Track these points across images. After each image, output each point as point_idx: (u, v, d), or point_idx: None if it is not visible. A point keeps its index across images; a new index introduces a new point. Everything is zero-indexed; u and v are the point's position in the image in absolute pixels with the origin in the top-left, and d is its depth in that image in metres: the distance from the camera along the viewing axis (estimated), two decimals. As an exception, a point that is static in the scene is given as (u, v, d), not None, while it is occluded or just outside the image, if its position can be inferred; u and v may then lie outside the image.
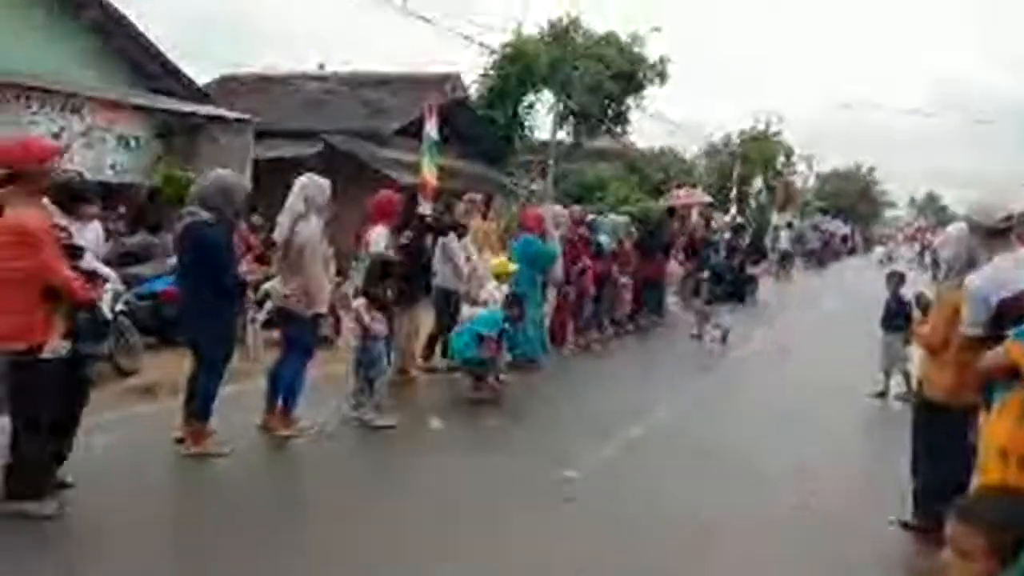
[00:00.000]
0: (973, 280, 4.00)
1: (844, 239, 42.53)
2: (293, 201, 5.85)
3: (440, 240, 8.25)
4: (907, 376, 8.21)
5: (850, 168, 59.18)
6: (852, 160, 61.09)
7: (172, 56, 12.48)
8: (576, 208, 11.67)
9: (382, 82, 16.68)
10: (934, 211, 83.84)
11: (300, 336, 5.96)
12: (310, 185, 5.91)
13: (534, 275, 8.99)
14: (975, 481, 3.66)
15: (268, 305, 8.54)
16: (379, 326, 6.41)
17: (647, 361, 10.22)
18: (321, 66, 19.86)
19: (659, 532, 4.63)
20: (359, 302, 6.49)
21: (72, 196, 4.85)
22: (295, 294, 5.85)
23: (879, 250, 42.70)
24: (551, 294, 9.54)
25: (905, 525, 4.82)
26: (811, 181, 46.50)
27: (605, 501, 5.11)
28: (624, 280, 11.43)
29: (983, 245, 4.16)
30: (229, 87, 17.57)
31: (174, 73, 12.39)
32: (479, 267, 8.62)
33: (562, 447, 6.12)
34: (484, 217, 10.23)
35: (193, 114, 11.28)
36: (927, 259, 30.96)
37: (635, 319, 12.24)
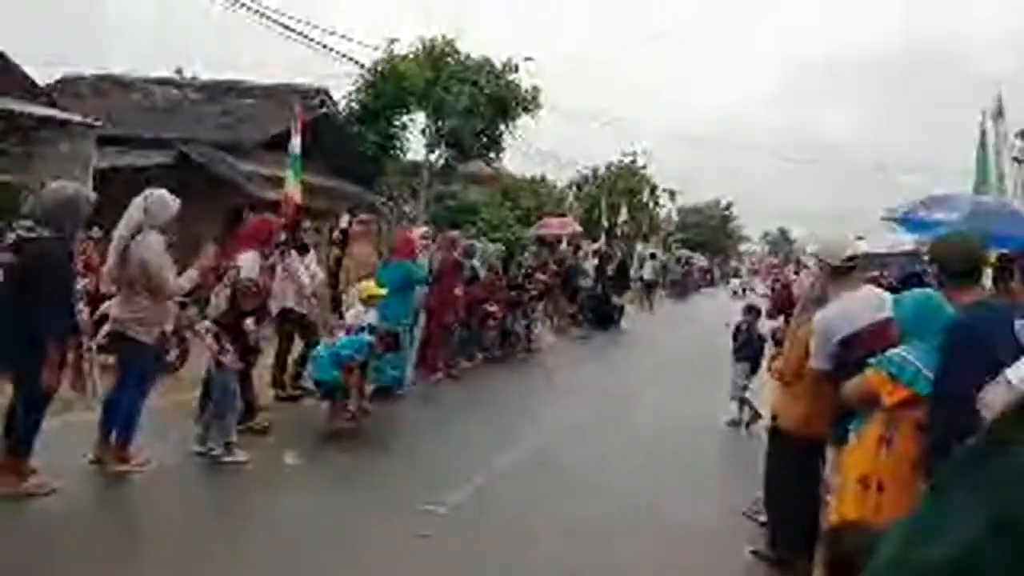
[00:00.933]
0: (820, 316, 4.19)
1: (704, 272, 44.63)
2: (131, 214, 5.35)
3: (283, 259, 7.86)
4: (744, 403, 8.61)
5: (709, 202, 62.45)
6: (712, 195, 64.59)
7: (10, 52, 11.37)
8: (453, 233, 11.50)
9: (245, 91, 15.95)
10: (785, 245, 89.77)
11: (138, 363, 5.43)
12: (153, 199, 5.42)
13: (408, 300, 8.75)
14: (830, 510, 3.74)
15: (105, 328, 7.85)
16: (231, 357, 5.95)
17: (517, 390, 10.11)
18: (178, 71, 18.79)
19: (524, 569, 4.47)
20: (209, 328, 6.01)
21: None
22: (134, 316, 5.33)
23: (734, 282, 45.09)
24: (421, 319, 9.32)
25: (758, 554, 4.90)
26: (673, 214, 48.59)
27: (469, 536, 4.91)
28: (494, 308, 11.34)
29: (830, 283, 4.33)
30: (73, 88, 16.28)
31: (10, 70, 11.28)
32: (320, 288, 8.31)
33: (426, 479, 5.87)
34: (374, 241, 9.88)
35: (25, 115, 10.27)
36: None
37: (504, 346, 12.16)
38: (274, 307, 7.65)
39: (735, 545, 5.10)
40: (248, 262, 6.66)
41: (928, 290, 3.44)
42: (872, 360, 3.46)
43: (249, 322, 6.12)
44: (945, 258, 3.27)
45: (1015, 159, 18.62)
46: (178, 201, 5.51)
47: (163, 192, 5.52)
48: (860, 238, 6.66)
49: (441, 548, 4.68)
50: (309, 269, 8.24)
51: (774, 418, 4.90)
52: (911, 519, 1.14)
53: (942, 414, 2.89)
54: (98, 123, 10.92)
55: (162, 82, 16.52)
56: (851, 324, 3.99)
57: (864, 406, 3.50)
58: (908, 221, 8.71)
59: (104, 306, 8.06)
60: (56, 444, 5.39)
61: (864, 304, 4.10)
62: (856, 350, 3.81)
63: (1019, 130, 18.70)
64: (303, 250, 8.31)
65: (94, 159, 10.56)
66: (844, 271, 4.25)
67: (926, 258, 3.61)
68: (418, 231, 10.86)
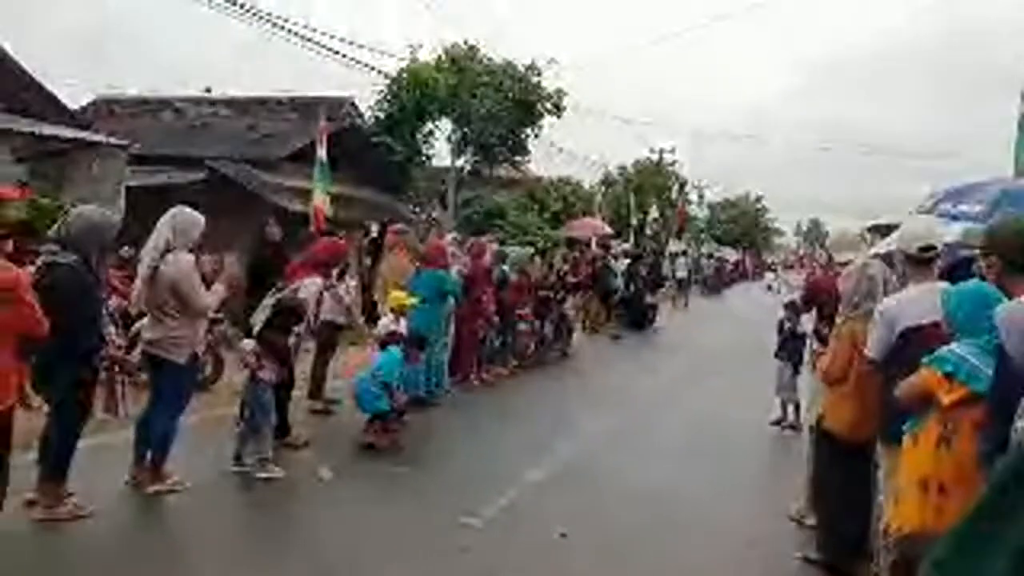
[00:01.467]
0: (885, 304, 4.01)
1: (736, 265, 44.12)
2: (159, 234, 5.32)
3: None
4: (796, 406, 8.35)
5: (740, 196, 61.76)
6: (741, 190, 63.88)
7: (46, 79, 11.57)
8: (483, 239, 11.43)
9: (271, 106, 16.06)
10: (818, 237, 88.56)
11: (172, 384, 5.40)
12: (180, 217, 5.39)
13: (439, 310, 8.68)
14: (885, 514, 3.59)
15: (138, 349, 7.90)
16: (269, 373, 5.92)
17: (551, 396, 9.97)
18: (207, 90, 19.02)
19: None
20: (248, 345, 5.99)
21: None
22: (166, 337, 5.31)
23: (768, 276, 44.54)
24: (451, 327, 9.25)
25: (808, 560, 4.75)
26: (704, 210, 48.13)
27: (504, 550, 4.80)
28: (525, 311, 11.23)
29: (908, 273, 4.11)
30: (107, 109, 16.54)
31: (47, 98, 11.46)
32: (351, 297, 8.31)
33: (462, 492, 5.78)
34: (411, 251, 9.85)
35: (56, 138, 10.39)
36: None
37: (539, 351, 12.04)
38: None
39: (782, 550, 4.95)
40: (312, 287, 6.62)
41: (981, 283, 3.26)
42: (925, 359, 3.31)
43: (291, 340, 6.11)
44: (1006, 248, 3.05)
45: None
46: (203, 218, 5.49)
47: (189, 210, 5.49)
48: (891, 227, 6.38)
49: (478, 562, 4.59)
50: (345, 282, 8.22)
51: (820, 419, 4.73)
52: (966, 525, 1.11)
53: (1001, 416, 2.72)
54: (128, 143, 11.02)
55: (193, 101, 16.72)
56: (917, 317, 3.78)
57: (920, 406, 3.34)
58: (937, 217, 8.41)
59: (136, 326, 8.12)
60: (91, 466, 5.41)
61: (934, 298, 3.88)
62: (916, 345, 3.62)
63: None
64: (344, 267, 8.34)
65: (126, 179, 10.66)
66: (921, 261, 4.01)
67: (979, 249, 3.37)
68: (446, 239, 10.82)
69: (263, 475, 5.74)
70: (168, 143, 13.48)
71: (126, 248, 8.97)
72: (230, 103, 16.45)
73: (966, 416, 3.11)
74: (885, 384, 3.86)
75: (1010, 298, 3.10)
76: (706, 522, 5.48)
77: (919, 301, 3.81)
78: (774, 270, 47.51)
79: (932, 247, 4.01)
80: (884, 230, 7.25)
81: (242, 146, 13.87)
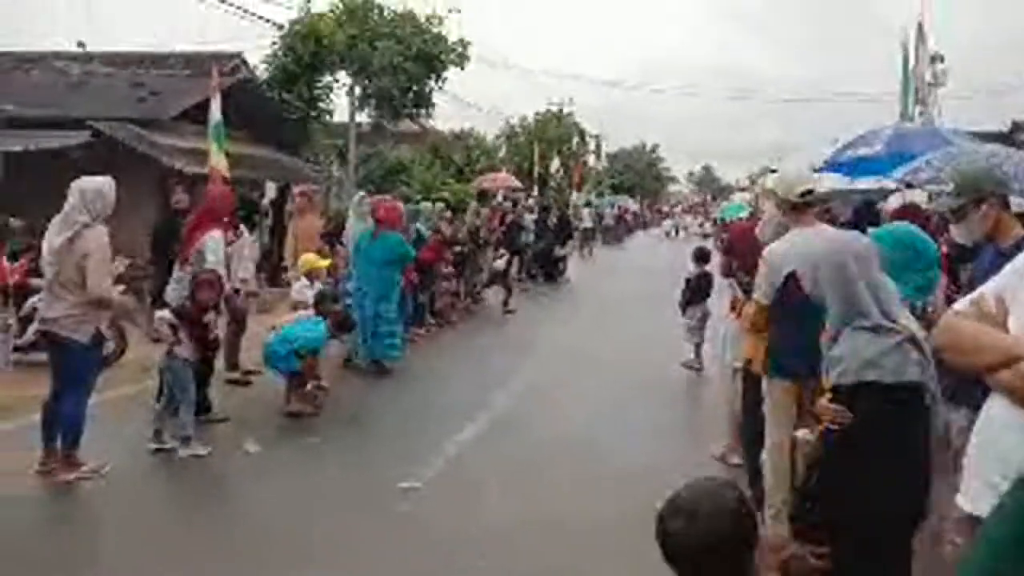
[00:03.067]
0: (769, 250, 4.13)
1: (635, 215, 45.09)
2: (70, 212, 4.99)
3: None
4: (697, 346, 8.74)
5: (636, 146, 62.86)
6: (636, 139, 65.00)
7: None
8: (387, 197, 11.16)
9: (155, 62, 15.06)
10: (710, 183, 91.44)
11: (76, 365, 5.08)
12: (87, 190, 5.03)
13: (396, 273, 8.48)
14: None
15: (33, 326, 7.39)
16: (187, 349, 5.64)
17: (473, 353, 9.94)
18: (81, 44, 17.59)
19: (505, 539, 4.38)
20: (164, 318, 5.67)
21: None
22: (66, 315, 4.96)
23: (666, 223, 45.70)
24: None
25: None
26: (602, 161, 48.73)
27: (446, 508, 4.80)
28: (446, 269, 11.12)
29: (788, 218, 4.25)
30: (-34, 68, 15.12)
31: None
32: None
33: (397, 455, 5.72)
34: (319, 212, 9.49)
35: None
36: (707, 227, 33.75)
37: (455, 307, 11.99)
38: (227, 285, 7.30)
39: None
40: (215, 242, 6.23)
41: (910, 226, 3.37)
42: None
43: (210, 315, 5.81)
44: (994, 185, 3.08)
45: (929, 83, 19.15)
46: (112, 184, 5.13)
47: (94, 180, 5.12)
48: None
49: (422, 523, 4.57)
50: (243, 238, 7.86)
51: (748, 363, 4.88)
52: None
53: None
54: (2, 106, 10.13)
55: (67, 57, 15.45)
56: (801, 262, 3.89)
57: None
58: (838, 166, 8.81)
59: (30, 303, 7.57)
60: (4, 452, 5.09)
61: (818, 241, 3.98)
62: (800, 288, 3.73)
63: (933, 53, 19.17)
64: (249, 225, 7.96)
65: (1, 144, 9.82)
66: (800, 207, 4.15)
67: (962, 199, 3.40)
68: (354, 198, 10.51)
69: (187, 453, 5.51)
70: (44, 104, 12.44)
71: (13, 219, 8.31)
72: (109, 59, 15.32)
73: None
74: (773, 325, 4.07)
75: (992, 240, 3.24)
76: (635, 467, 5.59)
77: (801, 246, 3.88)
78: (671, 216, 48.73)
79: (811, 191, 4.15)
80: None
81: (127, 106, 12.98)
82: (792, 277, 3.85)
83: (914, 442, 2.54)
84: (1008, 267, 2.33)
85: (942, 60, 19.73)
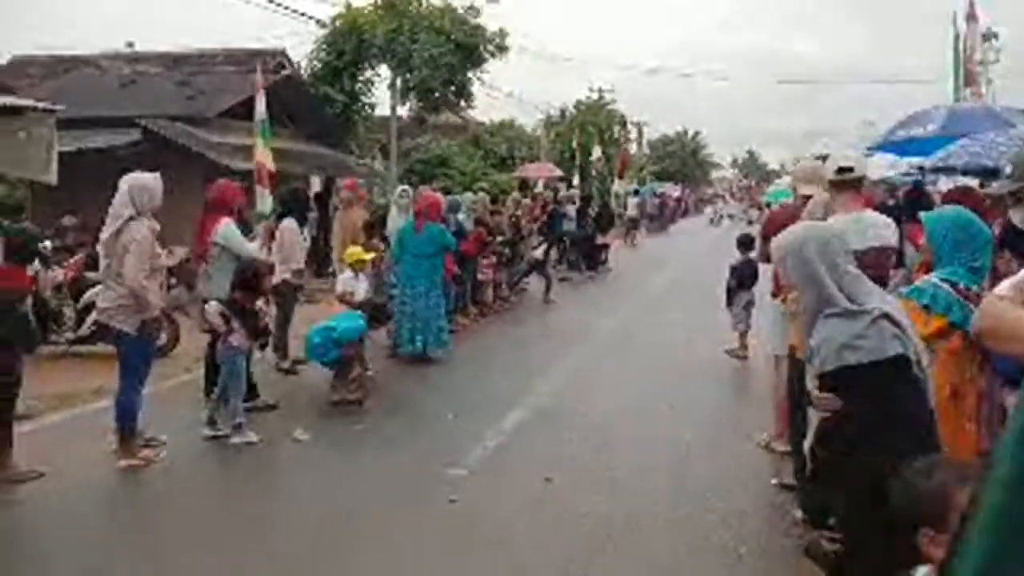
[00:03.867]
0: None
1: (678, 201, 44.57)
2: (118, 207, 5.18)
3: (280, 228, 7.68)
4: (742, 334, 8.60)
5: (679, 133, 62.09)
6: (679, 126, 64.21)
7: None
8: (428, 189, 11.27)
9: (201, 61, 15.36)
10: (755, 168, 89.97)
11: (127, 355, 5.27)
12: (134, 185, 5.21)
13: (436, 265, 8.57)
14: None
15: (91, 317, 7.64)
16: (239, 338, 5.78)
17: (517, 342, 9.95)
18: (130, 45, 18.06)
19: (550, 530, 4.41)
20: (214, 307, 5.82)
21: None
22: (116, 306, 5.15)
23: (709, 210, 45.08)
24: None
25: (784, 485, 4.89)
26: (644, 148, 48.25)
27: (493, 496, 4.84)
28: (486, 260, 11.18)
29: (833, 200, 4.16)
30: (24, 71, 15.61)
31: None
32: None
33: (443, 443, 5.80)
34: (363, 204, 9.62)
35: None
36: (753, 214, 33.24)
37: (497, 297, 12.05)
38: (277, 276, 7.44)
39: (760, 477, 5.10)
40: (228, 229, 6.27)
41: (961, 209, 3.29)
42: (904, 290, 3.34)
43: (261, 303, 5.95)
44: None
45: (980, 62, 18.57)
46: (159, 180, 5.29)
47: (141, 176, 5.29)
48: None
49: (468, 511, 4.62)
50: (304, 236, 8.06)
51: (793, 349, 4.83)
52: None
53: None
54: (56, 107, 10.42)
55: (117, 58, 15.86)
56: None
57: None
58: (889, 146, 8.59)
59: (88, 294, 7.83)
60: (68, 439, 5.29)
61: (859, 228, 3.88)
62: None
63: (985, 31, 18.58)
64: (301, 218, 8.14)
65: (56, 144, 10.10)
66: (842, 186, 4.03)
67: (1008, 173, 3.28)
68: (397, 191, 10.61)
69: (239, 440, 5.66)
70: (96, 104, 12.79)
71: (68, 217, 8.59)
72: (157, 59, 15.69)
73: (942, 347, 3.11)
74: None
75: None
76: (678, 455, 5.59)
77: (843, 228, 3.79)
78: (714, 202, 47.94)
79: (849, 168, 4.02)
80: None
81: (175, 104, 13.28)
82: None
83: (908, 412, 2.51)
84: None
85: (996, 37, 19.08)
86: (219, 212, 6.36)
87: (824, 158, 7.01)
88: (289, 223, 7.91)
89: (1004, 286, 2.34)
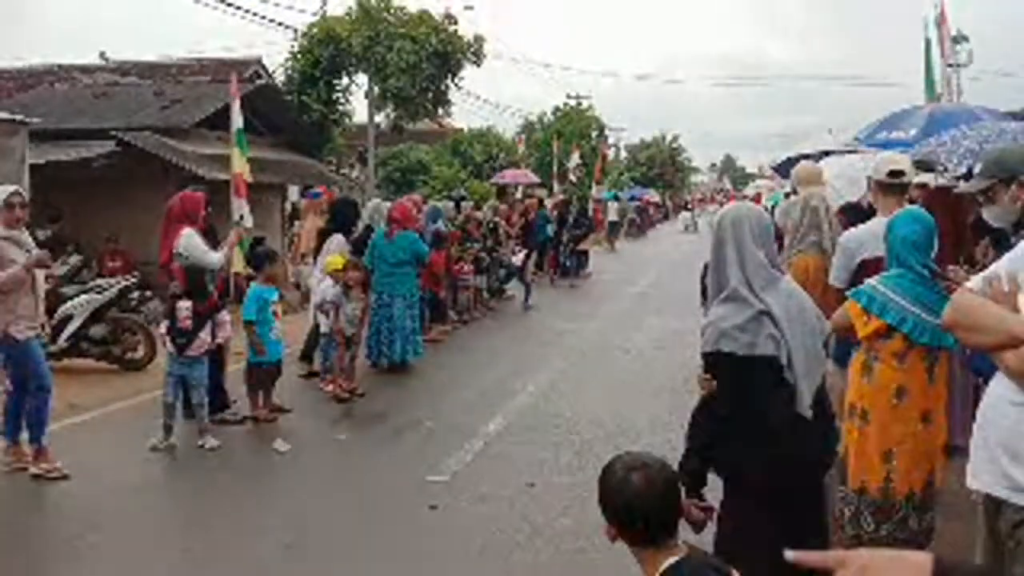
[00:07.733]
0: (847, 235, 4.09)
1: (657, 206, 44.80)
2: None
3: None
4: None
5: (656, 138, 62.34)
6: (656, 131, 64.51)
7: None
8: (416, 197, 11.27)
9: (174, 71, 15.26)
10: (732, 172, 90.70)
11: (23, 361, 5.23)
12: None
13: (411, 273, 8.56)
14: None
15: (67, 331, 7.60)
16: (198, 346, 5.84)
17: (498, 348, 9.94)
18: (103, 55, 17.90)
19: (533, 531, 4.42)
20: (185, 305, 5.82)
21: None
22: (8, 312, 5.08)
23: (684, 215, 44.88)
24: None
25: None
26: (622, 153, 48.42)
27: (473, 503, 4.84)
28: (466, 267, 11.17)
29: (878, 200, 4.15)
30: (-7, 83, 15.45)
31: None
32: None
33: (424, 450, 5.81)
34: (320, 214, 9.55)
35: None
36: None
37: (479, 303, 12.05)
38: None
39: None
40: (187, 238, 6.18)
41: (917, 209, 3.33)
42: (849, 291, 3.37)
43: (182, 304, 5.84)
44: None
45: (949, 65, 18.81)
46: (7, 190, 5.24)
47: None
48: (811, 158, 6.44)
49: (449, 518, 4.62)
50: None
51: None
52: None
53: None
54: (29, 120, 10.31)
55: (90, 69, 15.72)
56: (875, 248, 3.71)
57: (851, 335, 3.34)
58: (871, 146, 8.65)
59: (62, 308, 7.75)
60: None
61: None
62: (873, 275, 3.68)
63: (954, 34, 18.83)
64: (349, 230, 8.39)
65: (27, 156, 9.99)
66: (889, 189, 4.00)
67: (991, 180, 3.30)
68: (369, 205, 10.58)
69: (204, 443, 5.77)
70: (70, 116, 12.66)
71: (41, 231, 8.49)
72: (131, 69, 15.57)
73: (884, 347, 3.16)
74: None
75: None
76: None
77: (878, 234, 3.87)
78: (690, 209, 47.90)
79: (901, 172, 4.01)
80: (787, 166, 7.37)
81: (150, 114, 13.16)
82: (866, 264, 3.84)
83: (766, 412, 2.52)
84: (1022, 245, 2.32)
85: (966, 40, 19.34)
86: (180, 222, 6.30)
87: (807, 156, 7.05)
88: (338, 238, 8.03)
89: (975, 280, 2.38)
